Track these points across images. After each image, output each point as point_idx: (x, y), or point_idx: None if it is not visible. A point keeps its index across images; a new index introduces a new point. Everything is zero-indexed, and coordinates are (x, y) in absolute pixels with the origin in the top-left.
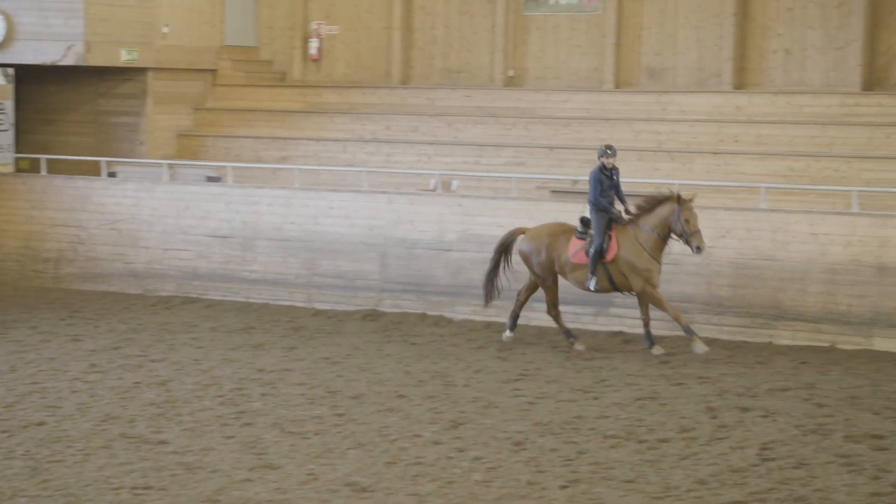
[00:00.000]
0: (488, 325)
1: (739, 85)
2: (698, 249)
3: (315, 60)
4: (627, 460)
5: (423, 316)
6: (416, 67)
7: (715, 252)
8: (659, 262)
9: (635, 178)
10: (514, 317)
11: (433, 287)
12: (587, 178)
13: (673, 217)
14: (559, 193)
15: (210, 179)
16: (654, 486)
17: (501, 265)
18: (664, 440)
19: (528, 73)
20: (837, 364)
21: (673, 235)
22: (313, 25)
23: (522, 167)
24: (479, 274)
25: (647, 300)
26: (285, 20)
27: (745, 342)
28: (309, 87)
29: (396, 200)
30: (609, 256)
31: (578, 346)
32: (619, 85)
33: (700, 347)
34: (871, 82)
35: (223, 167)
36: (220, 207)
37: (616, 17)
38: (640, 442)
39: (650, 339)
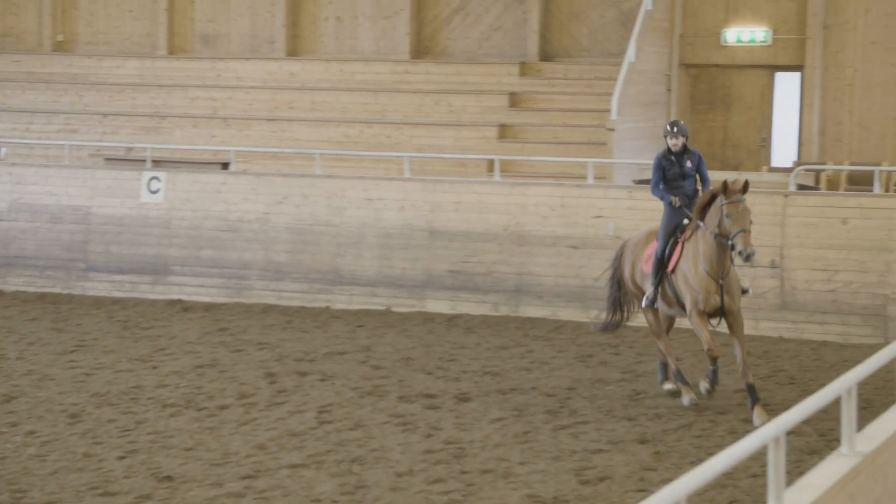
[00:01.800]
0: (42, 296)
1: (293, 52)
2: (741, 256)
3: None
4: (187, 428)
5: None
6: None
7: (272, 218)
8: (715, 280)
9: (191, 146)
10: (663, 364)
11: None
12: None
13: (720, 213)
14: (114, 161)
15: None
16: (214, 452)
17: (618, 281)
18: (224, 407)
19: (78, 38)
20: (392, 326)
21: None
22: None
23: (76, 134)
24: (31, 244)
25: (693, 326)
26: None
27: (304, 307)
28: None
29: None
30: (670, 265)
31: (684, 399)
32: (172, 51)
33: (759, 418)
34: (420, 51)
35: None
36: None
37: None
38: (200, 410)
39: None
